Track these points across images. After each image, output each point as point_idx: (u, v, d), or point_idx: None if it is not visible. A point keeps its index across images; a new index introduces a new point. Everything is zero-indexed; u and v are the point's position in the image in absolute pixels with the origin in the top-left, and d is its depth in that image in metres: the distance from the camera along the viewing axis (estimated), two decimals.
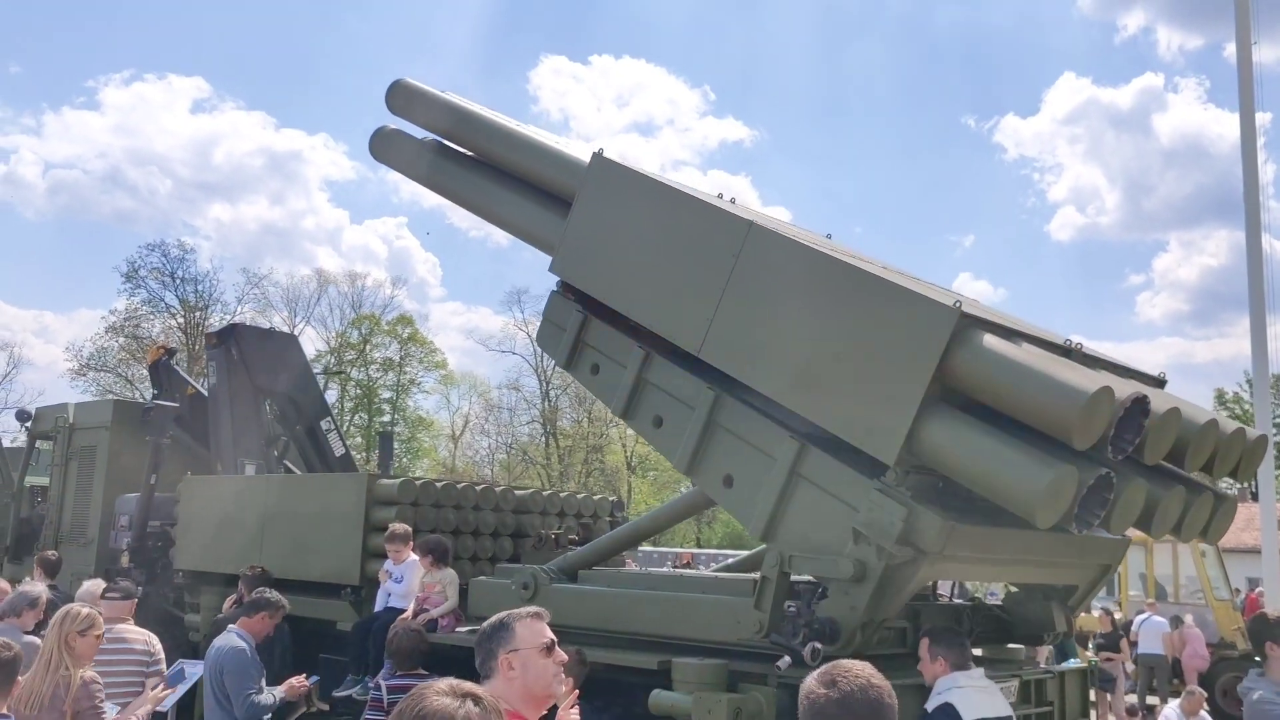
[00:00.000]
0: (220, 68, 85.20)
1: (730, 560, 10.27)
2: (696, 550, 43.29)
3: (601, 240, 7.79)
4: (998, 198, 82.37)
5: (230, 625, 7.15)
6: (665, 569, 19.07)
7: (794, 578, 6.43)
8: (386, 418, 58.84)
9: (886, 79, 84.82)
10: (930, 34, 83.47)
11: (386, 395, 59.91)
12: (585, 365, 7.94)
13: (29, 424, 15.06)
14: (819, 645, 5.93)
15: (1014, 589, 7.67)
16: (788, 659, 5.99)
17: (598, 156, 7.99)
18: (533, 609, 3.40)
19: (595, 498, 11.36)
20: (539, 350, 57.79)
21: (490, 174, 9.21)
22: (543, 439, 59.83)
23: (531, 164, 8.75)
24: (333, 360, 55.75)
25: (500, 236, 75.36)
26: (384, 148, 10.19)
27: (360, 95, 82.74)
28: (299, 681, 7.08)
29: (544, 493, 10.78)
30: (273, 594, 7.27)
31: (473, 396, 62.27)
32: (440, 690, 2.38)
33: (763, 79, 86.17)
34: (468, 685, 2.44)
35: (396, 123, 10.27)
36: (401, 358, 59.89)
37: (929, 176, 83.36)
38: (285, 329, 48.87)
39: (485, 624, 3.37)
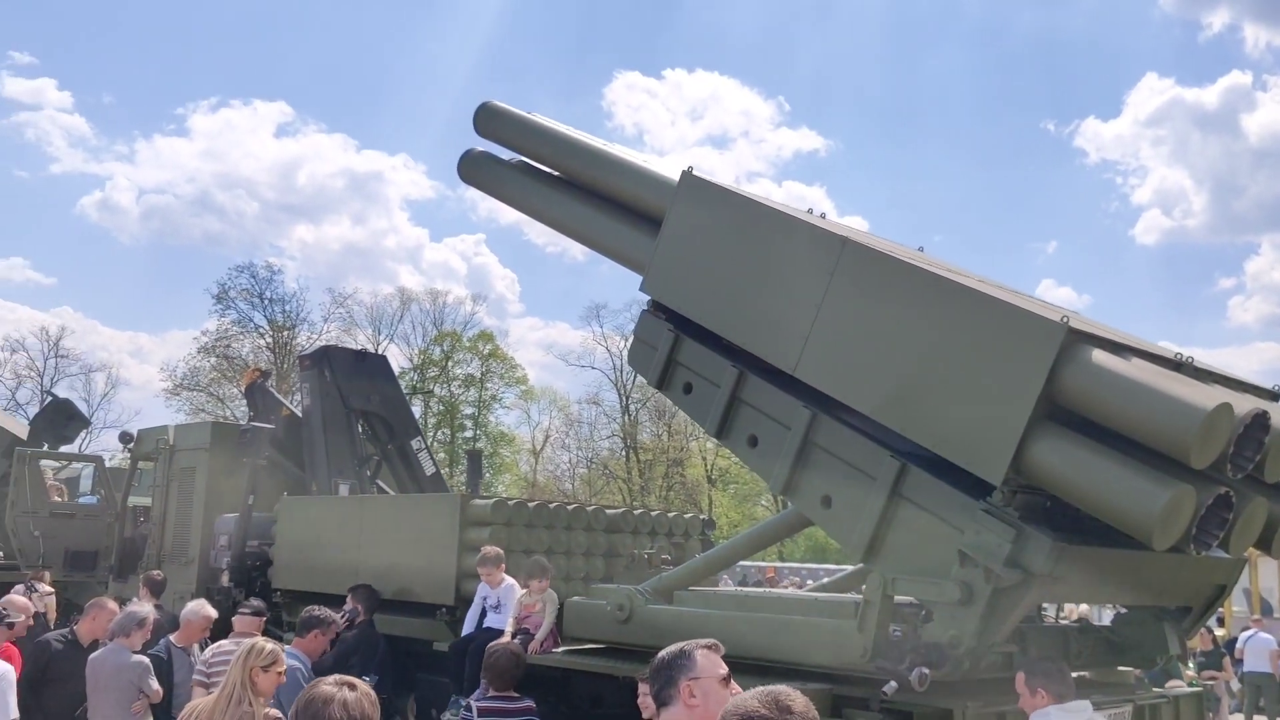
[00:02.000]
0: (302, 92, 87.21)
1: (825, 579, 10.12)
2: (779, 564, 42.91)
3: (692, 259, 7.75)
4: (1079, 203, 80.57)
5: (285, 647, 7.23)
6: (762, 588, 18.89)
7: (897, 600, 6.32)
8: (469, 434, 59.46)
9: (962, 85, 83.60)
10: (1007, 38, 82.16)
11: (469, 411, 60.54)
12: (678, 385, 7.89)
13: (131, 445, 15.48)
14: (926, 670, 5.80)
15: (1124, 610, 7.44)
16: (894, 684, 5.87)
17: (687, 174, 7.97)
18: (708, 640, 3.36)
19: (686, 516, 11.31)
20: (618, 364, 58.16)
21: (578, 194, 9.24)
22: (623, 453, 59.89)
23: (619, 183, 8.76)
24: (416, 377, 56.47)
25: (577, 252, 75.88)
26: (472, 171, 10.28)
27: (438, 116, 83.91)
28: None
29: (635, 511, 10.77)
30: (322, 611, 7.33)
31: (553, 411, 62.64)
32: (327, 682, 3.14)
33: (837, 88, 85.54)
34: (348, 678, 3.22)
35: (484, 144, 10.37)
36: (483, 374, 60.48)
37: (1008, 183, 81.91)
38: (370, 347, 49.79)
39: (664, 651, 3.34)
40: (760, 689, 2.63)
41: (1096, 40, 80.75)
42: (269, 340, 54.90)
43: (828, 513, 6.70)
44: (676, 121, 78.78)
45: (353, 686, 3.16)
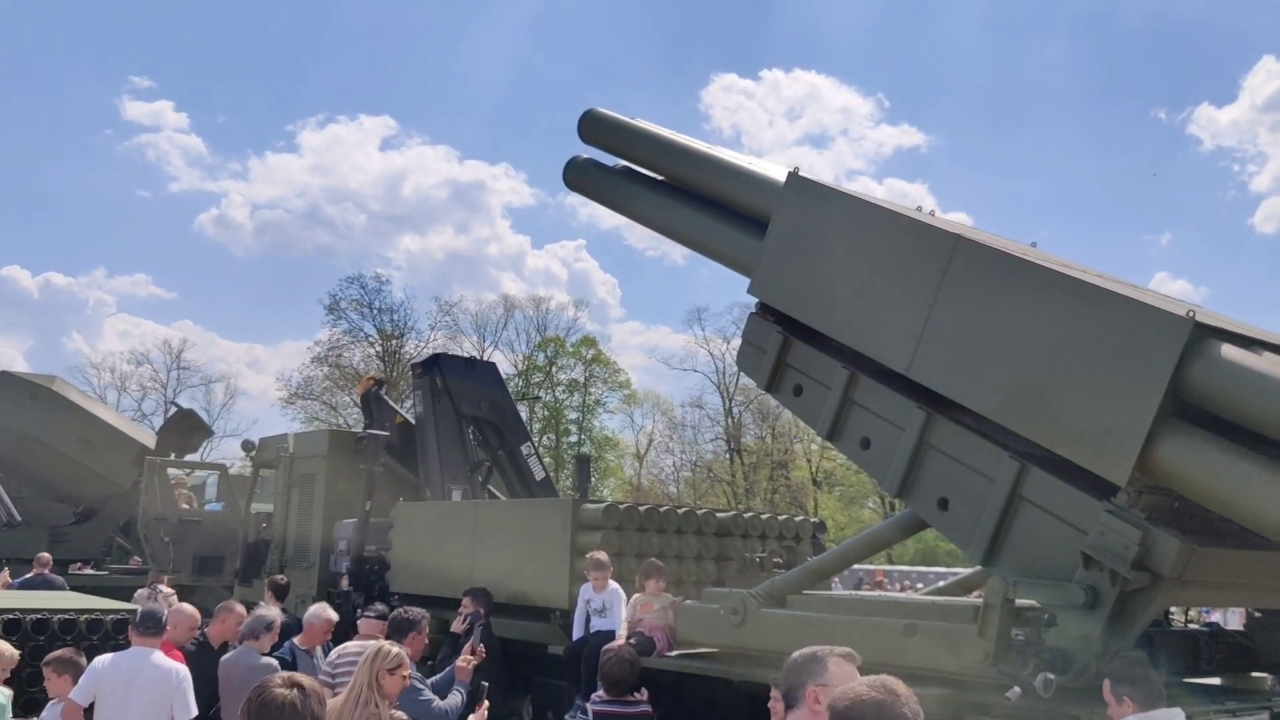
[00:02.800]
0: (406, 106, 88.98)
1: (940, 583, 9.96)
2: (888, 567, 42.25)
3: (801, 260, 7.71)
4: (1194, 192, 77.56)
5: None
6: (876, 592, 18.66)
7: (1018, 604, 6.19)
8: (574, 439, 59.96)
9: (1069, 73, 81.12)
10: (1115, 24, 79.54)
11: (573, 416, 61.05)
12: (787, 387, 7.86)
13: (253, 453, 16.02)
14: (1051, 676, 5.66)
15: (1258, 614, 7.17)
16: (1017, 690, 5.75)
17: (794, 175, 7.93)
18: (845, 649, 3.35)
19: (797, 519, 11.24)
20: (721, 367, 58.08)
21: (683, 197, 9.26)
22: (727, 456, 59.73)
23: (725, 186, 8.76)
24: (521, 383, 57.18)
25: (677, 255, 75.88)
26: (578, 177, 10.38)
27: (537, 124, 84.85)
28: (467, 662, 7.23)
29: (745, 515, 10.74)
30: (412, 612, 7.38)
31: (656, 415, 62.75)
32: (276, 682, 3.24)
33: (938, 82, 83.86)
34: (298, 677, 3.31)
35: (588, 151, 10.46)
36: (586, 379, 60.93)
37: (1119, 174, 79.23)
38: (475, 354, 50.59)
39: (798, 653, 3.35)
40: (867, 678, 2.78)
41: (1209, 23, 77.77)
42: (378, 349, 56.22)
43: (944, 515, 6.60)
44: (774, 122, 78.28)
45: (302, 688, 3.26)
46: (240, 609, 8.47)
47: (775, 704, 5.42)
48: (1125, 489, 5.57)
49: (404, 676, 5.61)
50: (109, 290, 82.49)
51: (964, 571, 11.31)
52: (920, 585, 28.15)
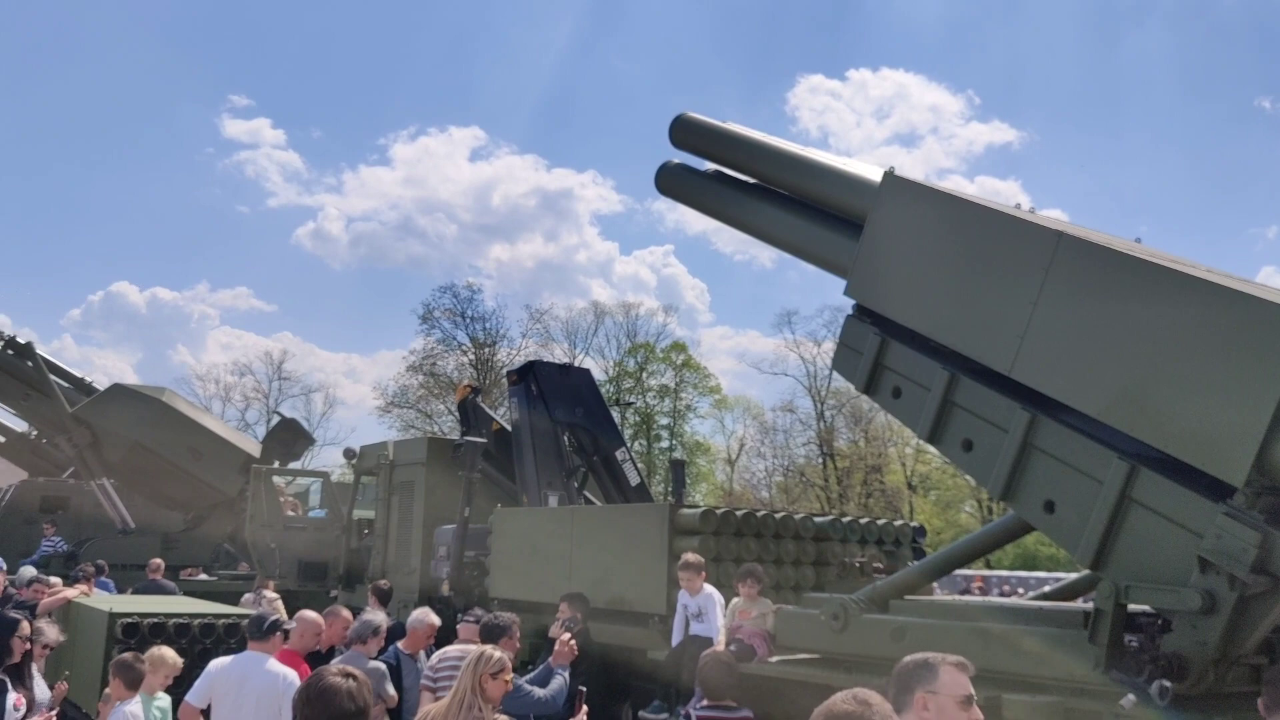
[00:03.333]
0: (494, 116, 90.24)
1: (1046, 588, 9.73)
2: (986, 572, 41.44)
3: (898, 261, 7.62)
4: None
5: None
6: (980, 597, 18.35)
7: (1131, 609, 6.03)
8: (665, 444, 60.05)
9: (1166, 63, 78.78)
10: (1213, 12, 77.05)
11: (664, 421, 61.14)
12: (886, 389, 7.77)
13: (354, 461, 16.36)
14: (1167, 683, 5.51)
15: None
16: (1131, 697, 5.60)
17: (889, 175, 7.85)
18: (957, 657, 3.30)
19: (896, 523, 11.10)
20: (812, 370, 57.62)
21: (776, 199, 9.22)
22: (820, 460, 59.20)
23: (818, 187, 8.70)
24: (612, 389, 57.46)
25: (765, 259, 75.61)
26: (669, 182, 10.40)
27: (623, 130, 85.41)
28: (563, 643, 7.25)
29: (843, 519, 10.63)
30: (502, 617, 7.42)
31: (747, 419, 62.49)
32: (331, 671, 3.54)
33: (1029, 77, 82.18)
34: (350, 669, 3.59)
35: (679, 156, 10.49)
36: (677, 384, 60.97)
37: (1221, 166, 76.62)
38: (566, 361, 50.98)
39: (909, 658, 3.32)
40: (844, 691, 2.91)
41: None
42: (471, 357, 57.02)
43: (1051, 518, 6.45)
44: (862, 122, 77.52)
45: (354, 676, 3.54)
46: (346, 614, 8.64)
47: None
48: (1242, 490, 5.39)
49: (506, 680, 5.67)
50: (212, 304, 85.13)
51: (1068, 576, 11.05)
52: (1021, 590, 27.57)
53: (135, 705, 6.78)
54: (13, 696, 6.19)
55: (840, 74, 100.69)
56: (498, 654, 5.68)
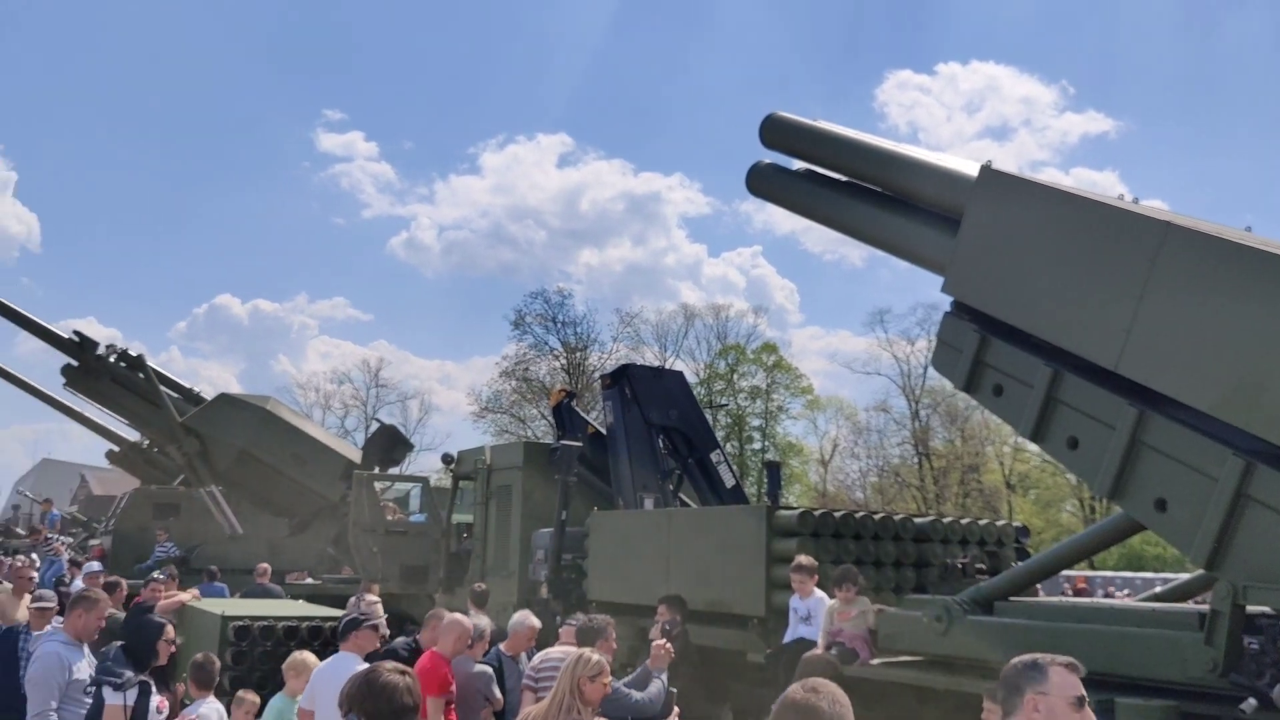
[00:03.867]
0: (581, 122, 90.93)
1: (1159, 588, 9.46)
2: (1090, 573, 40.42)
3: (997, 255, 7.48)
4: None
5: None
6: (1090, 598, 17.91)
7: (1250, 610, 5.83)
8: (757, 445, 59.79)
9: (1270, 46, 75.96)
10: None
11: (756, 423, 60.87)
12: (986, 387, 7.62)
13: (453, 466, 16.61)
14: None
15: None
16: (1253, 701, 5.42)
17: (987, 168, 7.71)
18: (1068, 659, 3.25)
19: (999, 523, 10.89)
20: (905, 369, 56.83)
21: (868, 197, 9.13)
22: (915, 460, 58.34)
23: (912, 183, 8.59)
24: (703, 391, 57.41)
25: (855, 258, 74.84)
26: (760, 182, 10.36)
27: (709, 132, 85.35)
28: (659, 647, 7.25)
29: (944, 520, 10.47)
30: (599, 620, 7.42)
31: (839, 420, 61.93)
32: (387, 667, 3.74)
33: (1126, 64, 79.94)
34: (402, 666, 3.81)
35: (770, 156, 10.44)
36: (768, 385, 60.65)
37: None
38: (657, 364, 51.08)
39: (1018, 659, 3.28)
40: (799, 682, 3.13)
41: None
42: (563, 362, 57.47)
43: (1162, 517, 6.27)
44: (953, 116, 76.35)
45: (408, 673, 3.77)
46: (450, 617, 8.76)
47: (989, 715, 5.27)
48: None
49: (604, 683, 5.70)
50: (311, 314, 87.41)
51: (1179, 577, 10.72)
52: (1127, 591, 26.82)
53: (208, 706, 7.00)
54: (156, 699, 6.41)
55: (929, 68, 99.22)
56: (596, 657, 5.72)
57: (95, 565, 13.39)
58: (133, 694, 6.35)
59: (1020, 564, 8.74)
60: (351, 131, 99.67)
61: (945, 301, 8.17)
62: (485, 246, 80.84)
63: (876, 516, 10.02)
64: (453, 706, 7.35)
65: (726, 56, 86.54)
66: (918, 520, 10.30)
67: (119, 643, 7.01)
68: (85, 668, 6.91)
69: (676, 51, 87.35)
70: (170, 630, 6.88)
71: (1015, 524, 11.23)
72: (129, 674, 6.39)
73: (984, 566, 9.43)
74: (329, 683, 6.83)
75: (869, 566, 9.67)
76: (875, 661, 8.02)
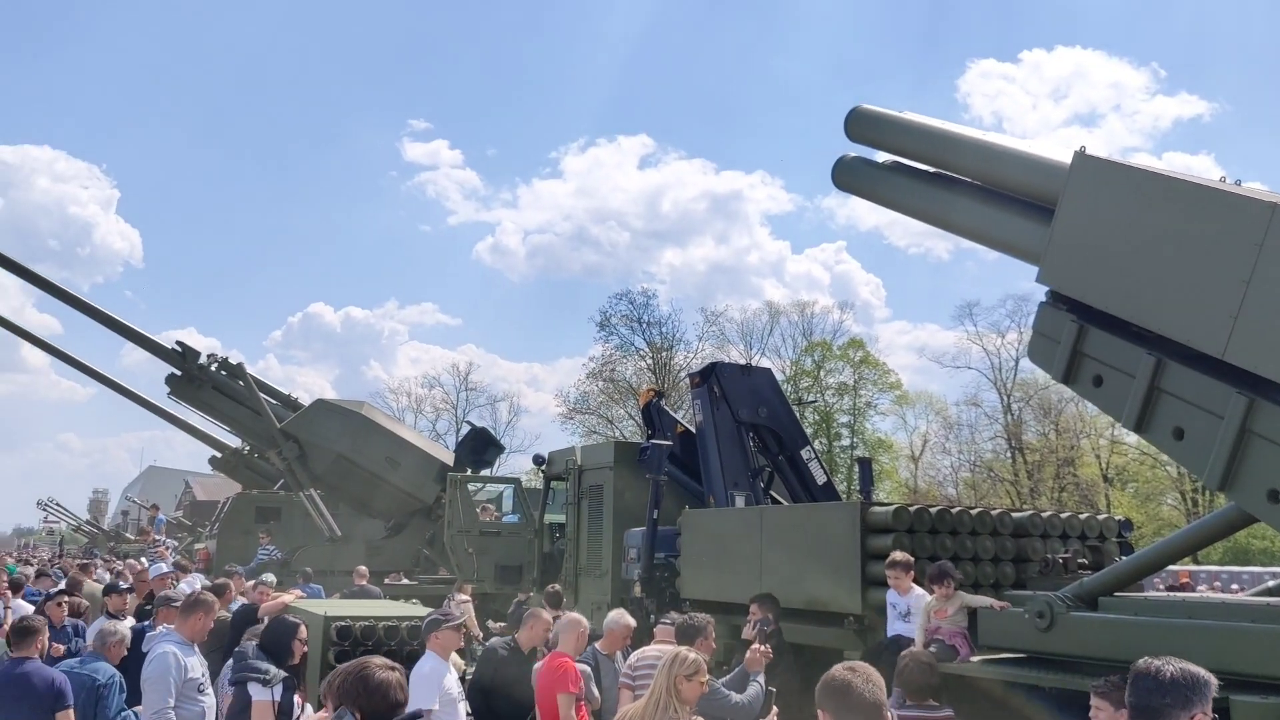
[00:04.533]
0: (661, 123, 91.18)
1: (1271, 582, 9.14)
2: (1193, 567, 39.19)
3: (1094, 243, 7.32)
4: None
5: None
6: (1201, 594, 17.41)
7: None
8: (845, 442, 59.25)
9: None
10: None
11: (844, 420, 60.33)
12: (1086, 378, 7.47)
13: (544, 467, 16.77)
14: None
15: None
16: None
17: (1080, 154, 7.55)
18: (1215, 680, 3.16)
19: (1100, 517, 10.64)
20: (996, 363, 55.78)
21: (957, 187, 9.02)
22: (1008, 454, 57.23)
23: (1003, 171, 8.46)
24: (790, 389, 57.08)
25: (941, 251, 73.74)
26: (847, 176, 10.29)
27: (790, 128, 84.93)
28: (755, 651, 7.21)
29: (1043, 514, 10.26)
30: (699, 618, 7.38)
31: (929, 415, 61.04)
32: (376, 663, 3.88)
33: (1220, 44, 77.68)
34: (392, 663, 3.95)
35: (855, 149, 10.36)
36: (855, 381, 60.07)
37: None
38: (743, 362, 50.91)
39: (1175, 667, 3.22)
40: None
41: None
42: (649, 361, 57.63)
43: (1276, 509, 6.08)
44: (1038, 104, 74.88)
45: (396, 669, 3.96)
46: (547, 616, 8.85)
47: (1098, 713, 5.16)
48: None
49: (701, 682, 5.70)
50: (401, 320, 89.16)
51: None
52: (1235, 586, 25.97)
53: None
54: (296, 695, 6.63)
55: (1013, 56, 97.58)
56: (692, 656, 5.71)
57: (163, 567, 13.64)
58: (279, 690, 6.56)
59: (1125, 558, 8.52)
60: (436, 140, 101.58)
61: (1038, 292, 8.07)
62: (569, 249, 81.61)
63: (973, 511, 9.85)
64: (584, 704, 7.42)
65: (806, 52, 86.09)
66: (1016, 514, 10.11)
67: (254, 641, 7.25)
68: (198, 667, 7.14)
69: (756, 48, 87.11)
70: (304, 630, 7.09)
71: (1117, 517, 10.96)
72: (274, 670, 6.59)
73: (1086, 561, 9.22)
74: (440, 674, 6.97)
75: (966, 562, 9.51)
76: (976, 659, 7.91)
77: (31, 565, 25.25)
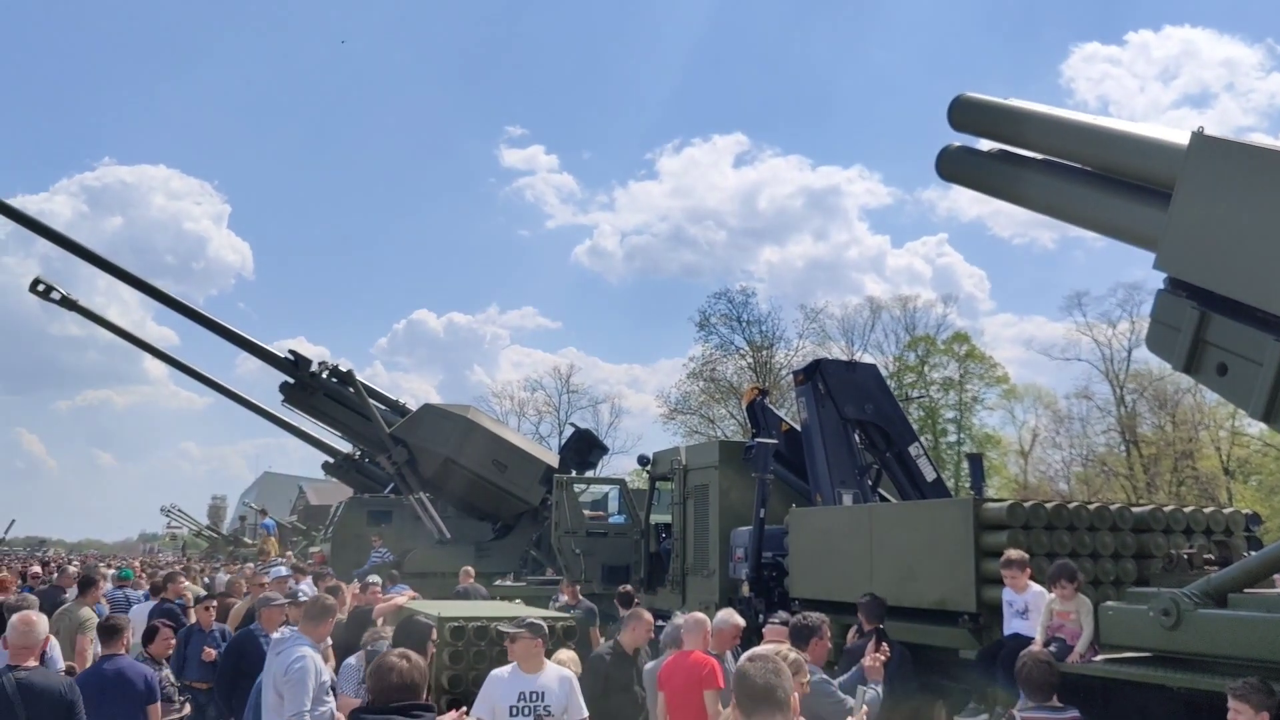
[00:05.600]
0: (756, 120, 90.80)
1: None
2: None
3: (1215, 226, 7.06)
4: None
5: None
6: None
7: None
8: (952, 438, 58.20)
9: None
10: None
11: (949, 415, 59.25)
12: (1209, 367, 7.21)
13: (649, 467, 16.82)
14: None
15: None
16: None
17: (1199, 135, 7.29)
18: None
19: (1225, 511, 10.26)
20: (1107, 354, 54.18)
21: (1068, 174, 8.81)
22: (1122, 448, 55.52)
23: (1115, 156, 8.23)
24: (894, 384, 56.28)
25: (1046, 240, 72.01)
26: (952, 166, 10.12)
27: (888, 121, 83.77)
28: (874, 659, 7.11)
29: (1165, 509, 9.93)
30: (813, 618, 7.25)
31: (1038, 409, 59.53)
32: (394, 654, 4.41)
33: None
34: (407, 651, 4.46)
35: (959, 139, 10.19)
36: (961, 376, 58.94)
37: None
38: (845, 358, 50.37)
39: None
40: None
41: None
42: (750, 360, 57.36)
43: None
44: (1146, 87, 72.64)
45: (409, 659, 4.41)
46: (649, 616, 8.85)
47: (1237, 715, 4.99)
48: None
49: (803, 682, 5.64)
50: (502, 325, 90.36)
51: None
52: None
53: None
54: None
55: (1118, 39, 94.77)
56: (794, 655, 5.67)
57: (282, 570, 13.89)
58: None
59: (1254, 553, 8.19)
60: (532, 146, 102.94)
61: (1153, 279, 7.84)
62: (667, 250, 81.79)
63: (1091, 506, 9.59)
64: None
65: (901, 42, 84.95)
66: (1136, 509, 9.81)
67: (383, 641, 7.44)
68: (326, 670, 7.35)
69: (850, 40, 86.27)
70: (434, 631, 7.23)
71: (1244, 511, 10.55)
72: None
73: (1212, 557, 8.89)
74: (497, 686, 6.95)
75: (1085, 559, 9.25)
76: (1099, 658, 7.69)
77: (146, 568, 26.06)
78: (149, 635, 9.04)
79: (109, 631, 7.79)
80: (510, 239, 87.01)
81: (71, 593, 12.72)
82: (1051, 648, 7.54)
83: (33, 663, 6.39)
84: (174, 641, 9.33)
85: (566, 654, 7.26)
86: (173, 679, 9.21)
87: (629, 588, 12.42)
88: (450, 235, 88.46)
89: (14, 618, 6.64)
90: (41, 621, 6.70)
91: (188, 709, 9.29)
